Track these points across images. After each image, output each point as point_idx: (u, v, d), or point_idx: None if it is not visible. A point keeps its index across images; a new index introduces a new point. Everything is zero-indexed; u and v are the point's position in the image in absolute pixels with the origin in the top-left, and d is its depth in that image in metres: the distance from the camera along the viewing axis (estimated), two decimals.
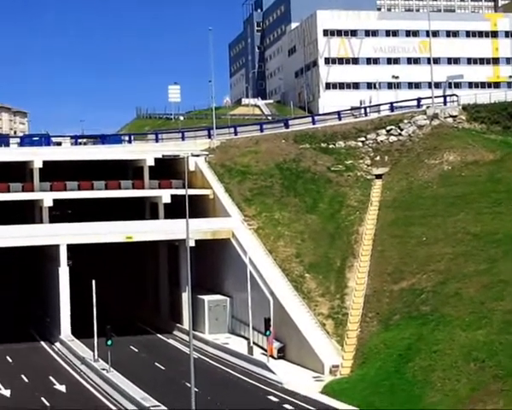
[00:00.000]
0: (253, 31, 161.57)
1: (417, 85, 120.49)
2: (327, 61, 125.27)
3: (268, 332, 57.50)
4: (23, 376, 56.16)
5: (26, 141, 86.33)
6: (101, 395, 50.52)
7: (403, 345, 51.55)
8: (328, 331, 57.57)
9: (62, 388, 52.66)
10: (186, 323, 66.94)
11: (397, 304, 57.63)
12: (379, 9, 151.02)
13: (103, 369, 53.72)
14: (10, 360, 61.79)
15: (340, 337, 56.87)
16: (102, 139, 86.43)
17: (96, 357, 56.48)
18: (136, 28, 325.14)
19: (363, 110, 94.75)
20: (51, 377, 55.20)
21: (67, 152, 79.75)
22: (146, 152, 77.21)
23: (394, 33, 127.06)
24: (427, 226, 65.68)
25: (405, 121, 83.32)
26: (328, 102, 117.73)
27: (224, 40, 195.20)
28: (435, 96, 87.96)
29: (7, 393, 51.50)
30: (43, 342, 68.40)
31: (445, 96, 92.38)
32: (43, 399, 49.48)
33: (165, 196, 71.82)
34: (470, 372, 45.64)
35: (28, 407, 48.25)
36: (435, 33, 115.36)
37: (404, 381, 47.46)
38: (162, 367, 58.24)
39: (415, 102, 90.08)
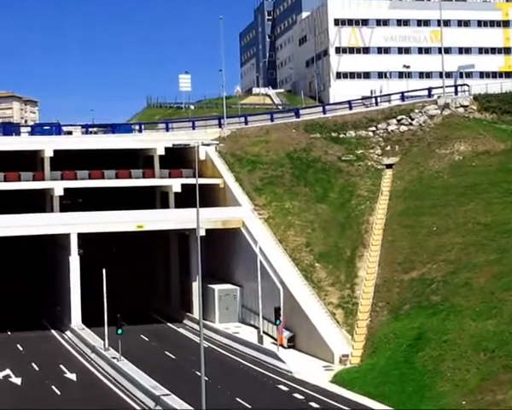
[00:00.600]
0: (264, 20, 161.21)
1: (428, 75, 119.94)
2: (338, 50, 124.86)
3: (278, 321, 57.59)
4: (34, 364, 56.41)
5: (36, 130, 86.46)
6: (111, 383, 50.72)
7: (413, 335, 51.54)
8: (338, 321, 57.62)
9: (73, 376, 52.87)
10: (196, 312, 67.12)
11: (407, 294, 57.62)
12: None
13: (114, 358, 53.90)
14: (21, 349, 62.09)
15: (350, 327, 56.92)
16: (113, 128, 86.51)
17: (107, 346, 56.65)
18: (147, 18, 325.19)
19: (373, 100, 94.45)
20: (62, 366, 55.43)
21: (78, 141, 79.89)
22: (156, 141, 77.29)
23: (405, 23, 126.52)
24: (438, 216, 65.59)
25: (416, 111, 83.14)
26: (339, 91, 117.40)
27: (235, 29, 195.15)
28: (446, 86, 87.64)
29: (18, 381, 51.76)
30: (53, 331, 68.69)
31: (456, 86, 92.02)
32: (53, 387, 49.71)
33: (175, 185, 71.88)
34: (480, 362, 45.60)
35: (39, 395, 48.47)
36: (446, 23, 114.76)
37: (414, 370, 47.46)
38: (172, 356, 58.41)
39: (426, 92, 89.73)
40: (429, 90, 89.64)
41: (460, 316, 50.81)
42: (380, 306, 57.90)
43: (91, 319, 62.80)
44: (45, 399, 47.47)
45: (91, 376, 53.30)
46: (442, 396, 43.86)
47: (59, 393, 48.58)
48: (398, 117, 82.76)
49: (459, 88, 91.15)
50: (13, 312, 76.97)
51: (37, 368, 55.55)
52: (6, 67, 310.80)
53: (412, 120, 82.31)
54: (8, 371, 53.92)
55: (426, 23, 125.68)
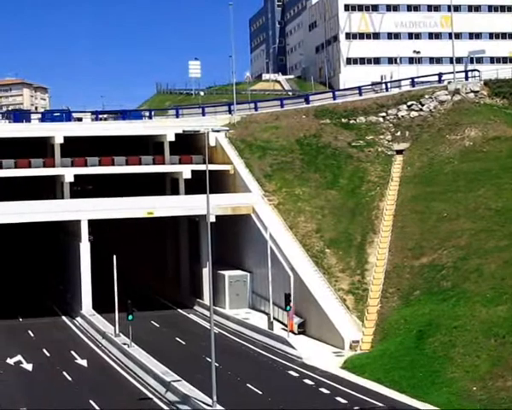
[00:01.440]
0: (274, 6, 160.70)
1: (439, 60, 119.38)
2: (348, 36, 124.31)
3: (288, 307, 57.63)
4: (45, 350, 56.63)
5: (47, 117, 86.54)
6: (122, 369, 50.87)
7: (423, 321, 51.52)
8: (349, 307, 57.63)
9: (84, 362, 53.05)
10: (206, 298, 67.17)
11: (417, 280, 57.58)
12: None
13: (124, 344, 54.05)
14: (32, 335, 62.32)
15: (361, 313, 56.93)
16: (123, 115, 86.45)
17: (117, 332, 56.80)
18: (156, 3, 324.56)
19: (384, 85, 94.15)
20: (73, 352, 55.62)
21: (88, 128, 79.91)
22: (166, 127, 77.21)
23: (416, 8, 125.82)
24: (448, 202, 65.45)
25: (426, 96, 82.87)
26: (349, 77, 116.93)
27: (245, 15, 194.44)
28: (457, 72, 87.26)
29: (29, 367, 51.98)
30: (64, 317, 68.91)
31: (466, 72, 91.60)
32: (64, 373, 49.89)
33: (185, 171, 71.87)
34: (490, 348, 45.59)
35: (50, 381, 48.67)
36: (457, 8, 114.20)
37: (425, 356, 47.46)
38: (183, 342, 58.55)
39: (436, 78, 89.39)
40: (440, 75, 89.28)
41: (470, 302, 50.77)
42: (390, 292, 57.89)
43: (102, 305, 62.95)
44: (56, 385, 47.69)
45: (102, 362, 53.48)
46: (452, 382, 43.89)
47: (70, 379, 48.76)
48: (409, 103, 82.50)
49: (469, 73, 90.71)
50: (24, 298, 77.30)
51: (48, 354, 55.77)
52: (16, 55, 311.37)
53: (422, 105, 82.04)
54: (19, 358, 54.16)
55: (436, 8, 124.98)
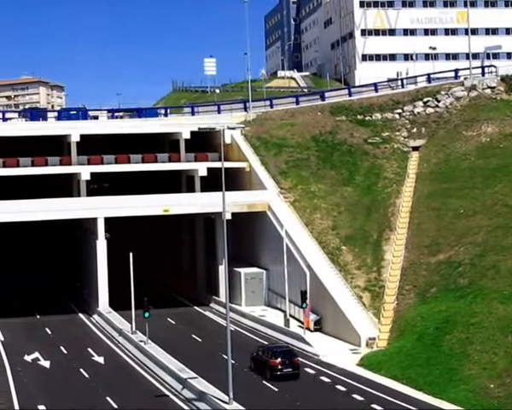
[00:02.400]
0: (289, 2, 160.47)
1: (455, 56, 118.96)
2: (363, 32, 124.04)
3: (304, 305, 57.58)
4: (62, 347, 56.84)
5: (63, 115, 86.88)
6: (138, 366, 50.99)
7: (440, 318, 51.36)
8: (365, 304, 57.53)
9: (100, 359, 53.21)
10: (223, 295, 67.29)
11: (434, 277, 57.41)
12: None
13: (141, 341, 54.16)
14: (49, 332, 62.57)
15: (377, 310, 56.83)
16: (139, 113, 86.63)
17: (134, 329, 56.95)
18: (172, 2, 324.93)
19: (399, 82, 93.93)
20: (89, 349, 55.79)
21: (104, 126, 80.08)
22: (182, 125, 77.30)
23: (432, 4, 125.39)
24: (465, 199, 65.22)
25: (443, 93, 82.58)
26: (365, 73, 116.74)
27: (260, 12, 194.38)
28: (473, 68, 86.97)
29: (46, 364, 52.19)
30: (81, 315, 69.13)
31: (482, 67, 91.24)
32: (81, 370, 50.05)
33: (201, 169, 71.91)
34: (508, 345, 45.42)
35: (67, 377, 48.84)
36: (473, 3, 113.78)
37: (441, 354, 47.33)
38: (199, 339, 58.61)
39: (452, 74, 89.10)
40: (456, 71, 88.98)
41: (487, 299, 50.58)
42: (406, 289, 57.74)
43: (118, 302, 63.12)
44: (73, 382, 47.83)
45: (119, 359, 53.62)
46: (470, 379, 43.74)
47: (87, 376, 48.92)
48: (425, 99, 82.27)
49: (486, 69, 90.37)
50: (41, 296, 77.61)
51: (65, 351, 55.97)
52: (33, 53, 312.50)
53: (439, 101, 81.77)
54: (36, 355, 54.40)
55: (452, 4, 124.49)
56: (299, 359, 48.33)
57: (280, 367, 46.72)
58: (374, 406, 41.46)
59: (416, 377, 45.77)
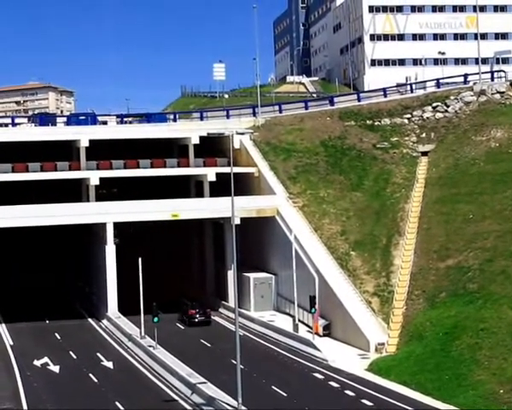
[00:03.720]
0: (298, 8, 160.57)
1: (464, 61, 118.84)
2: (372, 37, 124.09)
3: (313, 310, 57.56)
4: (71, 352, 56.94)
5: (72, 120, 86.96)
6: (147, 371, 51.04)
7: (449, 323, 51.27)
8: (374, 309, 57.47)
9: (110, 364, 53.28)
10: (231, 300, 67.24)
11: (443, 282, 57.30)
12: None
13: (150, 346, 54.22)
14: (59, 337, 62.67)
15: (386, 315, 56.75)
16: (148, 118, 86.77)
17: (143, 334, 57.01)
18: (181, 7, 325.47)
19: (408, 87, 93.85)
20: (99, 354, 55.87)
21: (113, 131, 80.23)
22: (191, 130, 77.40)
23: (441, 9, 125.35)
24: (474, 204, 65.09)
25: (452, 98, 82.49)
26: (374, 78, 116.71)
27: (269, 18, 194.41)
28: (482, 72, 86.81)
29: (56, 369, 52.29)
30: (90, 320, 69.22)
31: (492, 72, 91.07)
32: (90, 375, 50.13)
33: (210, 174, 71.97)
34: None
35: (76, 382, 48.91)
36: (482, 8, 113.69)
37: (451, 359, 47.24)
38: (208, 344, 58.63)
39: (461, 79, 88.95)
40: (465, 76, 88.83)
41: (497, 304, 50.47)
42: (416, 294, 57.65)
43: (127, 307, 63.18)
44: (83, 386, 47.92)
45: (128, 364, 53.68)
46: (479, 385, 43.63)
47: (96, 381, 48.99)
48: (434, 104, 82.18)
49: (495, 74, 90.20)
50: (50, 301, 77.73)
51: (74, 356, 56.06)
52: (42, 58, 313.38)
53: (448, 106, 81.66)
54: (46, 360, 54.50)
55: (461, 9, 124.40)
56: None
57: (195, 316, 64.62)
58: None
59: (425, 383, 45.68)
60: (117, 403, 43.74)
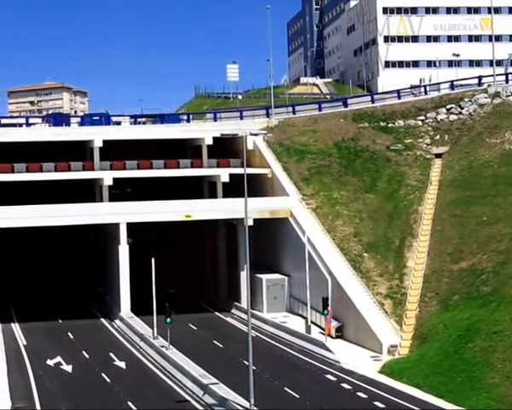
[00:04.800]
0: (312, 9, 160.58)
1: (478, 63, 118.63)
2: (386, 39, 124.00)
3: (326, 311, 57.46)
4: (84, 352, 57.05)
5: (86, 120, 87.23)
6: (160, 371, 51.08)
7: (462, 326, 51.11)
8: (387, 311, 57.34)
9: (122, 364, 53.35)
10: (244, 301, 67.26)
11: (456, 284, 57.14)
12: None
13: (162, 346, 54.27)
14: (71, 337, 62.80)
15: (399, 317, 56.62)
16: (161, 118, 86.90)
17: (156, 334, 57.07)
18: (195, 7, 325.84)
19: (422, 89, 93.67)
20: (111, 354, 55.95)
21: (127, 131, 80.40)
22: (204, 131, 77.50)
23: (455, 10, 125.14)
24: (488, 206, 64.87)
25: (466, 100, 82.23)
26: (388, 80, 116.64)
27: (283, 19, 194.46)
28: (497, 74, 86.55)
29: (68, 368, 52.39)
30: (103, 319, 69.34)
31: (506, 74, 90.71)
32: (103, 375, 50.21)
33: (223, 174, 72.00)
34: None
35: (89, 382, 49.00)
36: (497, 10, 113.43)
37: (464, 362, 47.08)
38: (220, 345, 58.64)
39: (476, 81, 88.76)
40: (479, 78, 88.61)
41: (510, 307, 50.28)
42: (429, 296, 57.50)
43: (140, 307, 63.27)
44: (95, 386, 47.99)
45: (140, 364, 53.74)
46: (492, 388, 43.47)
47: (109, 380, 49.07)
48: (448, 106, 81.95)
49: (510, 76, 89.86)
50: (63, 300, 77.95)
51: (87, 356, 56.17)
52: (56, 59, 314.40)
53: (462, 108, 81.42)
54: (59, 359, 54.62)
55: (476, 10, 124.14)
56: None
57: None
58: None
59: (438, 385, 45.55)
60: (129, 403, 43.80)
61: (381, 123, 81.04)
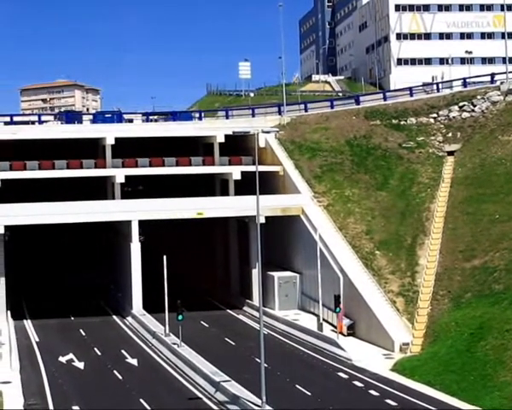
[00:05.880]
0: (324, 6, 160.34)
1: (491, 61, 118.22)
2: (398, 36, 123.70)
3: (338, 309, 57.45)
4: (96, 349, 57.17)
5: (98, 118, 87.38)
6: (172, 369, 51.13)
7: (474, 324, 50.99)
8: (399, 309, 57.27)
9: (134, 361, 53.44)
10: (256, 299, 67.29)
11: (468, 282, 57.01)
12: None
13: (174, 343, 54.34)
14: (83, 334, 62.95)
15: (411, 315, 56.53)
16: (173, 116, 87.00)
17: (167, 332, 57.14)
18: (206, 5, 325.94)
19: (435, 86, 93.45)
20: (123, 351, 56.06)
21: (139, 129, 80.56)
22: (216, 129, 77.55)
23: (468, 8, 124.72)
24: (500, 204, 64.68)
25: (478, 97, 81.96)
26: (400, 77, 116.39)
27: (295, 16, 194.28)
28: (509, 72, 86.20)
29: (80, 365, 52.52)
30: (115, 317, 69.49)
31: None
32: (115, 372, 50.31)
33: (235, 172, 72.01)
34: None
35: (101, 379, 49.12)
36: (510, 7, 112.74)
37: (476, 360, 46.96)
38: (232, 343, 58.67)
39: (488, 78, 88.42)
40: (492, 75, 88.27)
41: None
42: (441, 294, 57.39)
43: (152, 304, 63.35)
44: (107, 383, 48.11)
45: (152, 361, 53.82)
46: (504, 386, 43.33)
47: (120, 378, 49.16)
48: (460, 103, 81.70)
49: None
50: (75, 297, 78.14)
51: (99, 353, 56.29)
52: (69, 57, 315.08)
53: (474, 106, 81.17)
54: (71, 356, 54.76)
55: (489, 8, 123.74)
56: None
57: None
58: None
59: (450, 383, 45.45)
60: (141, 400, 43.86)
61: (393, 120, 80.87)
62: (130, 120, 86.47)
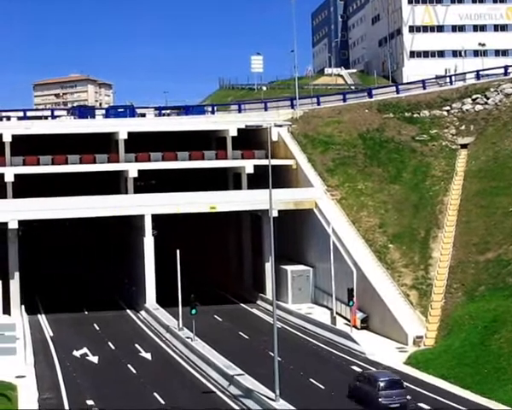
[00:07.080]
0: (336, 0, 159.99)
1: (504, 53, 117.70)
2: (411, 29, 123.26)
3: (351, 303, 57.45)
4: (110, 343, 57.34)
5: (111, 112, 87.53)
6: (185, 363, 51.24)
7: (488, 317, 50.87)
8: (412, 302, 57.19)
9: (148, 355, 53.57)
10: (269, 293, 67.31)
11: (482, 275, 56.86)
12: None
13: (188, 337, 54.42)
14: (97, 328, 63.12)
15: (424, 308, 56.45)
16: (186, 110, 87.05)
17: (181, 326, 57.22)
18: (219, 0, 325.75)
19: (448, 79, 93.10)
20: (137, 345, 56.20)
21: (151, 123, 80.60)
22: (229, 122, 77.54)
23: (481, 0, 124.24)
24: None
25: (492, 90, 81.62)
26: (413, 70, 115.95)
27: (307, 9, 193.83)
28: None
29: (95, 359, 52.69)
30: (128, 311, 69.61)
31: None
32: (129, 366, 50.44)
33: (248, 166, 72.00)
34: None
35: (115, 373, 49.26)
36: None
37: (490, 353, 46.87)
38: (246, 336, 58.72)
39: (502, 70, 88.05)
40: (505, 68, 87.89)
41: None
42: (454, 287, 57.28)
43: (165, 298, 63.47)
44: (121, 377, 48.24)
45: (166, 355, 53.94)
46: None
47: (134, 371, 49.29)
48: (474, 96, 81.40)
49: None
50: (89, 292, 78.35)
51: (113, 347, 56.45)
52: (81, 52, 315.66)
53: (488, 98, 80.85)
54: (85, 350, 54.94)
55: (502, 0, 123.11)
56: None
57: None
58: (421, 405, 41.21)
59: (464, 376, 45.39)
60: (155, 394, 43.96)
61: (406, 113, 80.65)
62: (143, 115, 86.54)
